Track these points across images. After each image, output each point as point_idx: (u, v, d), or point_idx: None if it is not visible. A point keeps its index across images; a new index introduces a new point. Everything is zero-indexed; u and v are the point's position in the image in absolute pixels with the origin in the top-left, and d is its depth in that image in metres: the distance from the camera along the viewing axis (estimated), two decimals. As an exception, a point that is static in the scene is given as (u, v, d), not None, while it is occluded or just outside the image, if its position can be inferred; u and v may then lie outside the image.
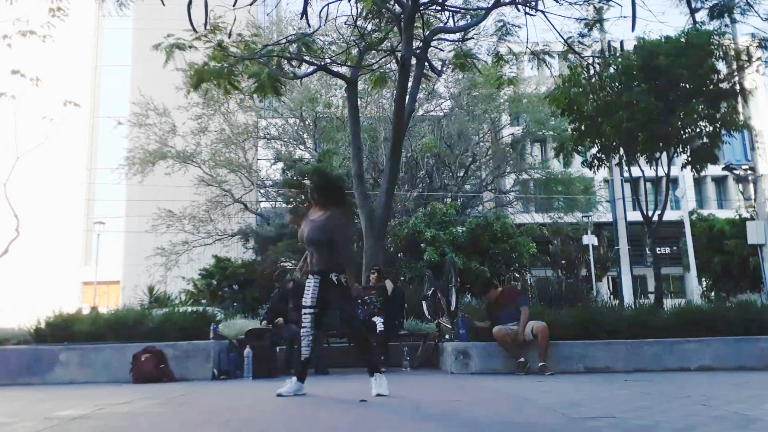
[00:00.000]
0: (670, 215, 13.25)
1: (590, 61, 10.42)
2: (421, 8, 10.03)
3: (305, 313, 4.54)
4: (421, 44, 10.28)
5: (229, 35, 9.35)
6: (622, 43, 11.07)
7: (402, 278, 14.24)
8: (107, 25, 36.04)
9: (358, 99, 12.38)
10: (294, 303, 7.28)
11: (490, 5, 10.16)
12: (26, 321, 7.80)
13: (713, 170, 17.54)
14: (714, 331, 6.70)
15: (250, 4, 9.29)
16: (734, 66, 10.06)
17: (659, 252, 11.95)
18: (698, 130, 9.89)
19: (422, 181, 23.34)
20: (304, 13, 9.76)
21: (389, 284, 7.81)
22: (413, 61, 9.89)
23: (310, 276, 4.62)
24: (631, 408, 3.59)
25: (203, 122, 22.19)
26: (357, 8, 9.98)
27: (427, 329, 7.91)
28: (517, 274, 16.38)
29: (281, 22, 22.18)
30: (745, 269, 18.84)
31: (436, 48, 14.04)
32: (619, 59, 10.12)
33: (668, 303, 9.80)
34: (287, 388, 4.54)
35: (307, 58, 10.34)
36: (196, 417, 3.77)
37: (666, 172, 10.18)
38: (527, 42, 10.24)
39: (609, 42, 12.05)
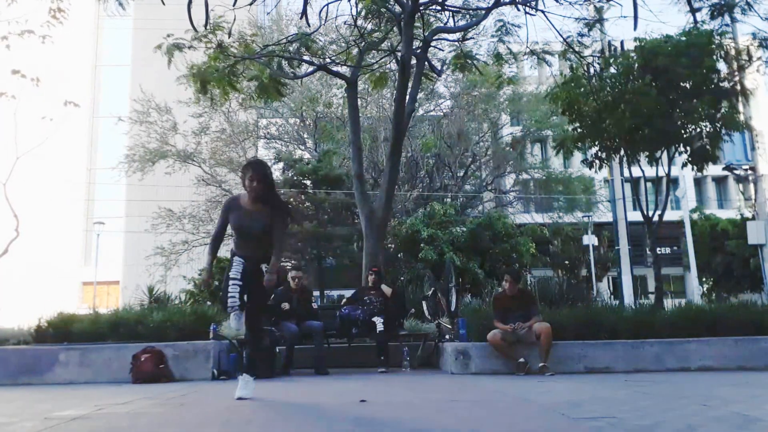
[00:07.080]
0: (670, 215, 13.24)
1: (590, 60, 10.41)
2: (421, 8, 10.02)
3: (234, 284, 4.47)
4: (421, 44, 10.27)
5: (229, 35, 9.35)
6: (622, 42, 11.06)
7: (401, 278, 14.23)
8: (107, 25, 36.08)
9: (358, 99, 12.37)
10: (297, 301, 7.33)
11: (490, 5, 10.15)
12: (26, 321, 7.81)
13: (713, 170, 17.51)
14: (714, 331, 6.70)
15: (250, 4, 9.27)
16: (735, 66, 10.05)
17: (659, 252, 11.94)
18: (699, 130, 9.88)
19: (422, 181, 23.33)
20: (304, 12, 9.76)
21: (386, 289, 7.79)
22: (413, 61, 9.88)
23: (240, 257, 4.59)
24: (632, 408, 3.58)
25: (204, 121, 22.18)
26: (357, 8, 9.99)
27: (427, 329, 7.90)
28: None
29: (281, 22, 22.18)
30: (747, 269, 18.83)
31: (436, 48, 14.04)
32: (620, 59, 10.11)
33: (668, 303, 9.80)
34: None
35: (307, 58, 10.34)
36: (196, 417, 3.76)
37: (666, 172, 10.17)
38: (527, 42, 10.23)
39: (609, 42, 12.05)
